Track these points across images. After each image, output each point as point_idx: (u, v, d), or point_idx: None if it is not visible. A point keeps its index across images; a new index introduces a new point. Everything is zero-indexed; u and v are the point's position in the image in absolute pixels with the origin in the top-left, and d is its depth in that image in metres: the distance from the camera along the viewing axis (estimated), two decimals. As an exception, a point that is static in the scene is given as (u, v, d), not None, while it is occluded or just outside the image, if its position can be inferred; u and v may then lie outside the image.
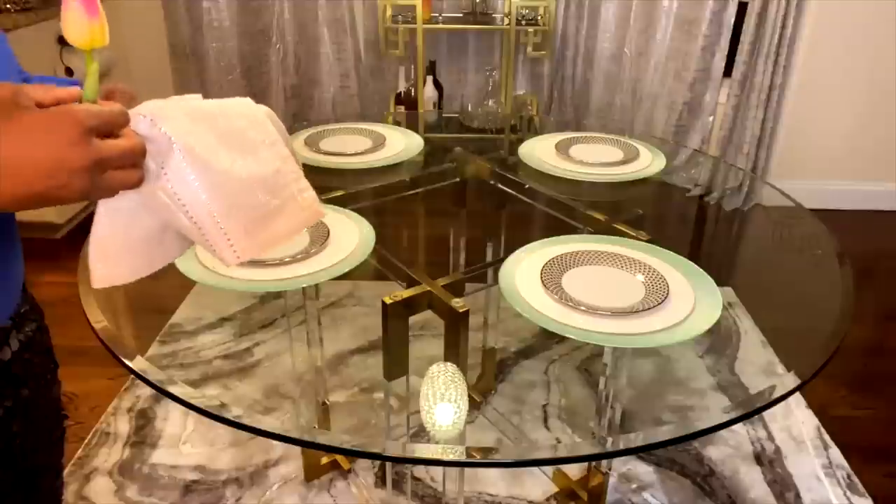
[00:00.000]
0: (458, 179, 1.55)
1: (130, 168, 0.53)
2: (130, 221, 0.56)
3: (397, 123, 1.73)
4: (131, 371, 0.88)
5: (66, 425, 0.88)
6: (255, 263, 1.03)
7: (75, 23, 0.54)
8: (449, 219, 1.67)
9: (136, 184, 0.53)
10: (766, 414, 1.90)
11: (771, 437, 1.84)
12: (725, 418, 0.85)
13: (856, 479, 1.71)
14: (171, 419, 1.85)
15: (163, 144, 0.52)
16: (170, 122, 0.52)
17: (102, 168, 0.51)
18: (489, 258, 1.71)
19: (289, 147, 0.57)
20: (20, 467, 0.79)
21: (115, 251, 0.57)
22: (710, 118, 3.03)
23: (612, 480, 1.67)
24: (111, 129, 0.52)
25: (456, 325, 0.99)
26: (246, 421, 0.81)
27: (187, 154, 0.51)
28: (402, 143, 1.52)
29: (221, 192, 0.52)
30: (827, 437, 1.84)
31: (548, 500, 1.64)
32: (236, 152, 0.53)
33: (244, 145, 0.54)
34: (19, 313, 0.76)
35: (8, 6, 2.46)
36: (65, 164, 0.49)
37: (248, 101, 0.55)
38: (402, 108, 2.99)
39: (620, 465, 1.73)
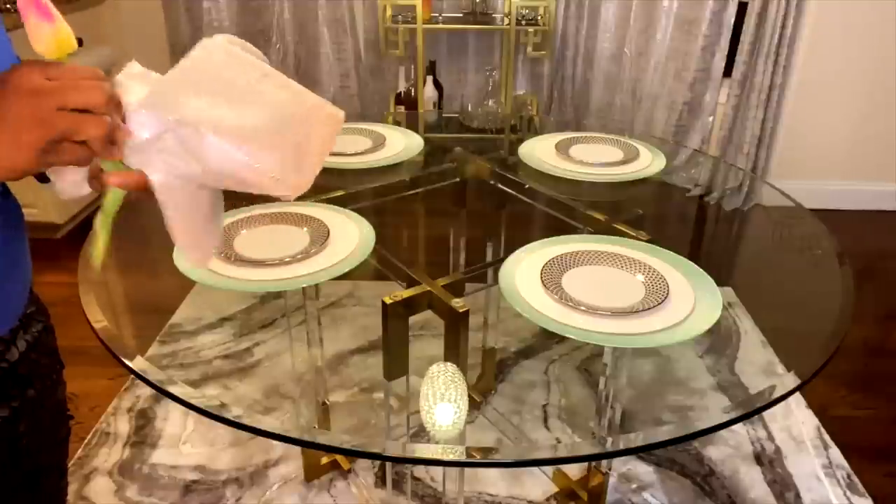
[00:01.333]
0: (458, 179, 1.55)
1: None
2: (194, 207, 0.57)
3: (397, 123, 1.73)
4: (131, 371, 0.88)
5: (70, 426, 0.88)
6: (254, 263, 1.03)
7: (38, 34, 0.54)
8: (449, 219, 1.67)
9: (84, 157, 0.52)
10: (766, 414, 1.90)
11: (771, 437, 1.84)
12: (725, 418, 0.85)
13: (856, 479, 1.71)
14: (171, 419, 1.85)
15: (180, 132, 0.53)
16: (171, 107, 0.53)
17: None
18: (489, 258, 1.71)
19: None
20: (26, 467, 0.79)
21: (198, 236, 0.59)
22: (710, 118, 3.03)
23: (612, 480, 1.67)
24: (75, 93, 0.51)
25: (456, 325, 0.99)
26: (246, 421, 0.81)
27: (203, 129, 0.52)
28: (402, 143, 1.52)
29: (253, 146, 0.53)
30: (827, 437, 1.84)
31: (548, 500, 1.64)
32: (242, 105, 0.54)
33: (244, 94, 0.54)
34: (26, 314, 0.76)
35: (8, 6, 2.46)
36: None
37: (208, 43, 0.55)
38: (402, 108, 2.99)
39: (620, 465, 1.73)
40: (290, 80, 0.57)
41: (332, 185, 1.30)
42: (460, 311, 0.98)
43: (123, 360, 0.89)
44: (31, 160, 0.51)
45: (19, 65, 0.51)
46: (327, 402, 1.75)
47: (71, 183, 0.58)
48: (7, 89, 0.49)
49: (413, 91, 2.97)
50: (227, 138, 0.53)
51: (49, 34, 0.54)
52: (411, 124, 2.42)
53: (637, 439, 0.86)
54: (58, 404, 0.84)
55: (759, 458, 1.77)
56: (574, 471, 1.65)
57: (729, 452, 1.79)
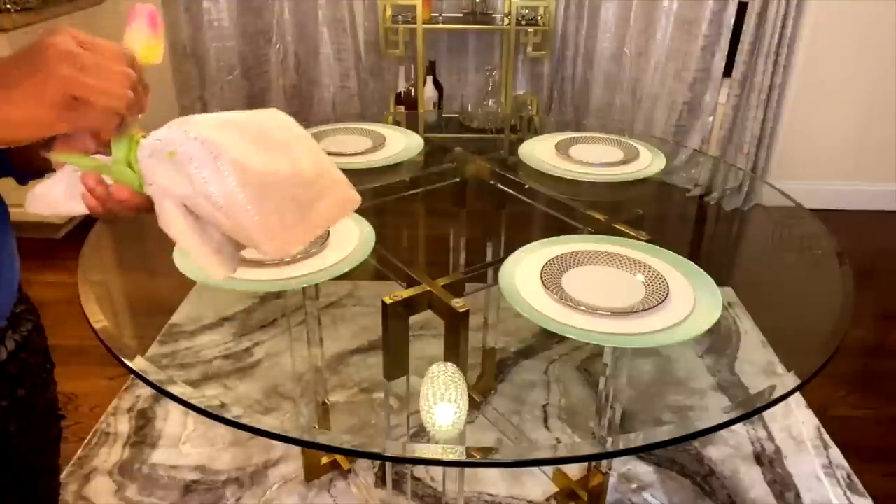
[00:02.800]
0: (458, 179, 1.55)
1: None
2: (204, 228, 0.56)
3: (397, 123, 1.73)
4: (131, 371, 0.88)
5: (62, 425, 0.88)
6: (255, 263, 1.03)
7: (136, 37, 0.57)
8: (449, 219, 1.67)
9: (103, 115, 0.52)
10: (766, 414, 1.90)
11: (771, 437, 1.84)
12: (725, 418, 0.85)
13: (856, 479, 1.71)
14: (171, 419, 1.85)
15: (196, 150, 0.52)
16: (199, 127, 0.52)
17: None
18: (489, 258, 1.71)
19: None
20: (17, 467, 0.79)
21: (215, 250, 0.57)
22: (710, 118, 3.03)
23: (612, 480, 1.67)
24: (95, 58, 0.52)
25: (456, 325, 0.99)
26: (246, 421, 0.81)
27: (221, 155, 0.52)
28: (402, 143, 1.52)
29: (258, 190, 0.52)
30: (827, 437, 1.84)
31: (548, 500, 1.64)
32: (269, 151, 0.54)
33: (275, 144, 0.55)
34: (15, 313, 0.76)
35: (8, 6, 2.46)
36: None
37: (271, 109, 0.57)
38: (402, 108, 2.99)
39: (620, 465, 1.73)
40: (326, 155, 0.57)
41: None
42: (460, 311, 0.98)
43: (123, 360, 0.89)
44: (52, 116, 0.51)
45: (55, 28, 0.52)
46: (327, 402, 1.75)
47: (57, 194, 0.57)
48: (39, 47, 0.51)
49: (413, 91, 2.97)
50: (235, 172, 0.52)
51: (144, 42, 0.57)
52: (411, 124, 2.41)
53: (637, 439, 0.86)
54: (49, 404, 0.84)
55: (759, 458, 1.77)
56: (574, 471, 1.65)
57: (729, 452, 1.79)
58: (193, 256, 0.56)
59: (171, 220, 0.54)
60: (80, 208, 0.58)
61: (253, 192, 0.52)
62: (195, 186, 0.52)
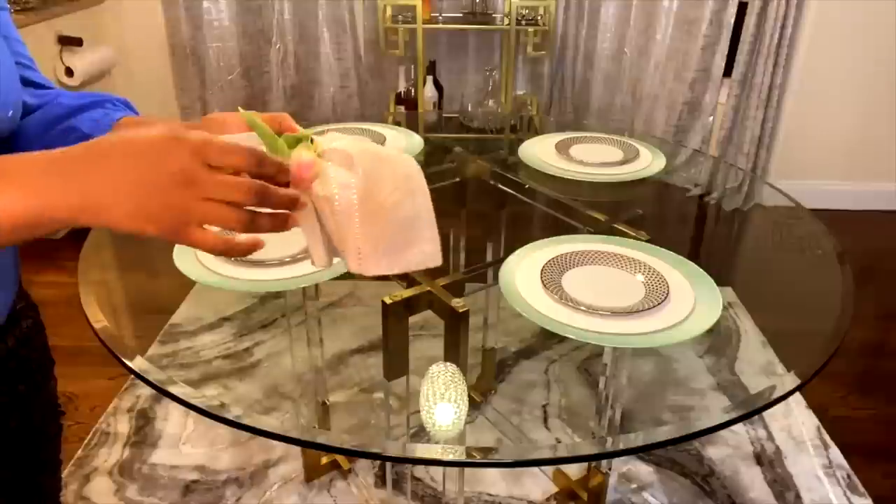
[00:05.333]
0: (458, 179, 1.55)
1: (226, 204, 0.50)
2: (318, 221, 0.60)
3: (397, 123, 1.73)
4: (131, 371, 0.88)
5: (62, 422, 0.88)
6: (255, 263, 1.03)
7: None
8: (449, 219, 1.67)
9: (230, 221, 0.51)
10: (766, 414, 1.90)
11: (771, 437, 1.84)
12: (725, 418, 0.85)
13: (856, 479, 1.71)
14: (171, 419, 1.85)
15: (337, 156, 0.56)
16: (348, 141, 0.57)
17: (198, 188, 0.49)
18: (489, 258, 1.70)
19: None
20: (17, 464, 0.79)
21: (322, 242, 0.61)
22: (710, 118, 3.03)
23: (612, 480, 1.67)
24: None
25: (456, 325, 0.99)
26: (246, 421, 0.81)
27: (355, 167, 0.55)
28: (402, 143, 1.52)
29: (372, 216, 0.57)
30: (827, 437, 1.84)
31: (548, 500, 1.64)
32: (398, 189, 0.58)
33: (405, 185, 0.59)
34: (15, 310, 0.76)
35: (8, 6, 2.45)
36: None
37: (408, 156, 0.61)
38: (402, 108, 2.99)
39: (620, 465, 1.73)
40: (433, 215, 0.61)
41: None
42: (460, 311, 0.98)
43: (123, 360, 0.89)
44: (141, 227, 0.49)
45: (171, 132, 0.49)
46: (327, 402, 1.75)
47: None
48: (160, 149, 0.48)
49: (413, 91, 2.97)
50: (360, 188, 0.55)
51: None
52: (411, 124, 2.41)
53: (637, 439, 0.86)
54: (49, 400, 0.84)
55: (759, 458, 1.77)
56: (574, 471, 1.65)
57: (729, 452, 1.79)
58: (304, 235, 0.60)
59: (305, 213, 0.58)
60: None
61: (367, 213, 0.56)
62: (325, 187, 0.55)
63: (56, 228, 0.50)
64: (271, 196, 0.52)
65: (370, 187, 0.56)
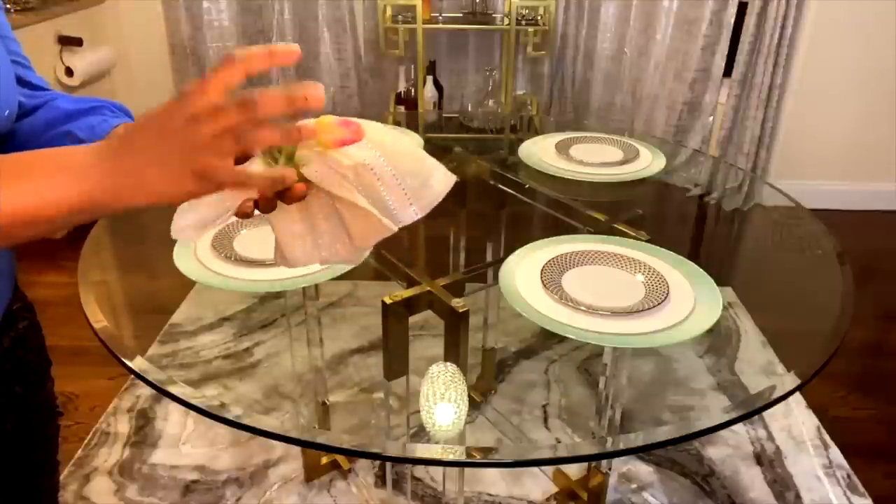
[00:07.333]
0: (458, 179, 1.55)
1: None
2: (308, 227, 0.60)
3: (397, 123, 1.73)
4: (131, 371, 0.88)
5: (59, 422, 0.88)
6: (254, 263, 1.03)
7: (327, 127, 0.60)
8: (449, 219, 1.67)
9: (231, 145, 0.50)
10: (766, 414, 1.90)
11: (771, 437, 1.84)
12: (725, 418, 0.85)
13: (856, 479, 1.71)
14: (171, 419, 1.85)
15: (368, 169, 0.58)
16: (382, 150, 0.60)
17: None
18: (489, 258, 1.70)
19: None
20: (15, 464, 0.79)
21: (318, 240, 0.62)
22: (710, 118, 3.03)
23: (612, 480, 1.67)
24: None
25: (456, 325, 0.99)
26: (246, 421, 0.81)
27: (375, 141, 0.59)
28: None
29: (399, 167, 0.60)
30: (827, 437, 1.84)
31: (548, 500, 1.64)
32: (390, 135, 0.61)
33: (393, 132, 0.62)
34: (11, 310, 0.76)
35: (8, 6, 2.46)
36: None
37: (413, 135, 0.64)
38: (402, 108, 2.99)
39: (620, 465, 1.73)
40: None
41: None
42: (460, 311, 0.98)
43: (123, 360, 0.89)
44: (183, 193, 0.51)
45: (170, 98, 0.51)
46: (327, 402, 1.75)
47: (189, 225, 0.58)
48: (164, 119, 0.50)
49: (413, 91, 2.97)
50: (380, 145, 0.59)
51: (329, 133, 0.59)
52: (411, 124, 2.42)
53: (637, 439, 0.86)
54: (46, 401, 0.84)
55: (759, 458, 1.77)
56: (574, 471, 1.65)
57: (729, 452, 1.79)
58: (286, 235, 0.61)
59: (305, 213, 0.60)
60: (221, 216, 0.58)
61: (394, 165, 0.60)
62: (356, 156, 0.58)
63: (101, 215, 0.53)
64: (266, 96, 0.50)
65: (378, 142, 0.58)
